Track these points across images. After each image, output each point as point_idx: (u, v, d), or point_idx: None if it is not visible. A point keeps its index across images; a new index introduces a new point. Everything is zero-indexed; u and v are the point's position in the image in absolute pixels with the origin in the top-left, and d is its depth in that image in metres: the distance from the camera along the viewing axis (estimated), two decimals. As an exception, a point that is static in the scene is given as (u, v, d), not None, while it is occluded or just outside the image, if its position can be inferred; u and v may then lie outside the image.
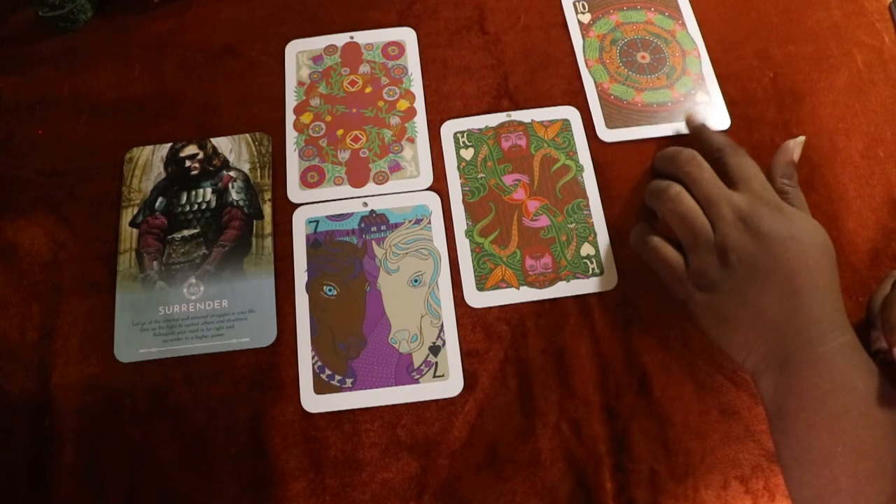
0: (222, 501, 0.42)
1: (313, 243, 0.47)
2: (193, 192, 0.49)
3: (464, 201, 0.48)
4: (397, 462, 0.42)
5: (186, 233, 0.48)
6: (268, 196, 0.49)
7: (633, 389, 0.44)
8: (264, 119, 0.51)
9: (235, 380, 0.44)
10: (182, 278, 0.47)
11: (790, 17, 0.54)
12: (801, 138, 0.45)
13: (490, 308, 0.46)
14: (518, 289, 0.46)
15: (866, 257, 0.47)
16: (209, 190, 0.49)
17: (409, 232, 0.48)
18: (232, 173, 0.50)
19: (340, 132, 0.51)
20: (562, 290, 0.46)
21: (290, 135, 0.51)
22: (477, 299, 0.46)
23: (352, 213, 0.48)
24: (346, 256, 0.47)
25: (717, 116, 0.50)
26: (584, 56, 0.53)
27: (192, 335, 0.45)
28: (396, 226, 0.48)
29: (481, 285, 0.46)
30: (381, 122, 0.51)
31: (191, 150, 0.50)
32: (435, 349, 0.45)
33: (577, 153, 0.50)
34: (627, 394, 0.43)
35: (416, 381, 0.44)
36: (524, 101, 0.51)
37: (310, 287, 0.46)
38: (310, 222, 0.48)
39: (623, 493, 0.42)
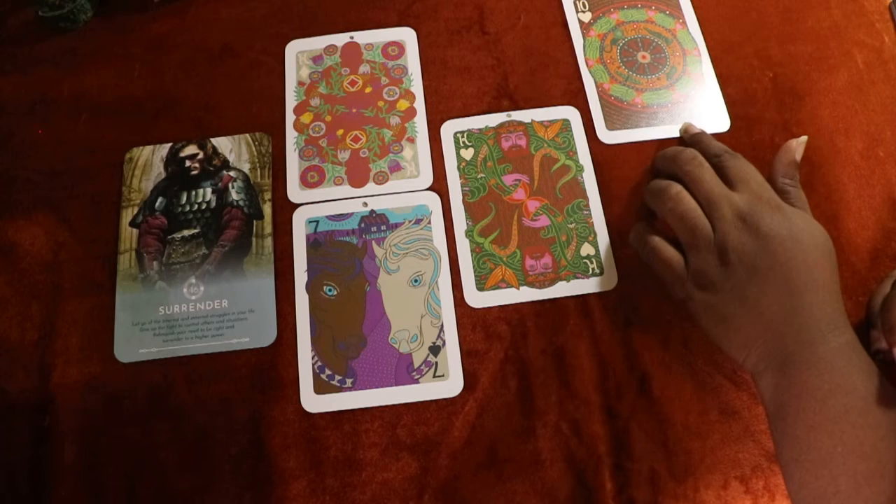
0: (222, 501, 0.42)
1: (313, 243, 0.47)
2: (193, 192, 0.49)
3: (464, 201, 0.48)
4: (397, 462, 0.42)
5: (186, 233, 0.48)
6: (268, 196, 0.49)
7: (633, 389, 0.44)
8: (264, 119, 0.51)
9: (235, 380, 0.44)
10: (182, 278, 0.47)
11: (790, 17, 0.54)
12: (804, 138, 0.45)
13: (490, 308, 0.46)
14: (518, 289, 0.46)
15: (866, 257, 0.47)
16: (209, 190, 0.49)
17: (409, 232, 0.48)
18: (232, 173, 0.50)
19: (340, 132, 0.51)
20: (562, 290, 0.46)
21: (290, 135, 0.51)
22: (477, 299, 0.46)
23: (352, 213, 0.48)
24: (346, 256, 0.47)
25: (717, 117, 0.50)
26: (585, 56, 0.53)
27: (192, 335, 0.45)
28: (396, 226, 0.48)
29: (481, 285, 0.46)
30: (381, 122, 0.51)
31: (191, 150, 0.50)
32: (435, 349, 0.45)
33: (577, 153, 0.50)
34: (627, 394, 0.43)
35: (416, 381, 0.44)
36: (524, 101, 0.51)
37: (310, 287, 0.46)
38: (310, 222, 0.48)
39: (623, 493, 0.42)
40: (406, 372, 0.44)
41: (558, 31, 0.54)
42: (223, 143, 0.50)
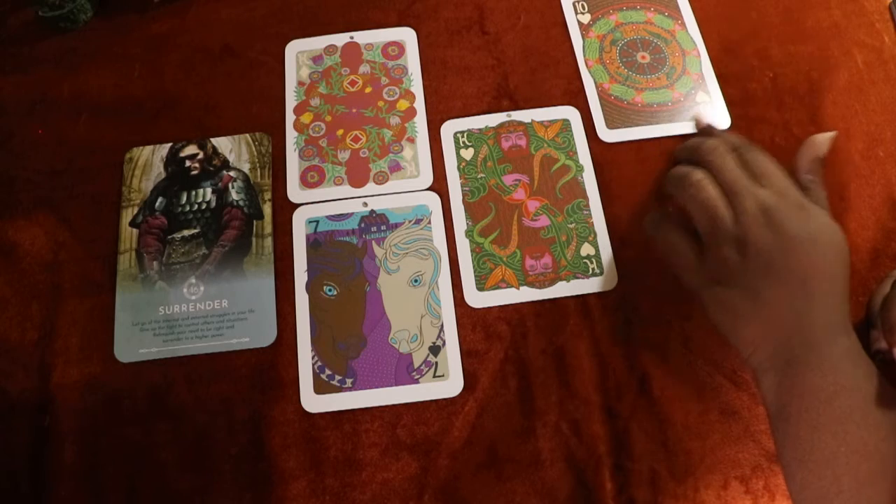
0: (222, 501, 0.42)
1: (313, 243, 0.47)
2: (193, 192, 0.49)
3: (464, 201, 0.48)
4: (397, 462, 0.42)
5: (186, 233, 0.48)
6: (268, 196, 0.49)
7: (633, 389, 0.44)
8: (264, 119, 0.51)
9: (235, 380, 0.44)
10: (182, 278, 0.47)
11: (790, 17, 0.54)
12: (831, 133, 0.43)
13: (490, 308, 0.46)
14: (518, 289, 0.46)
15: (866, 257, 0.47)
16: (209, 190, 0.49)
17: (409, 232, 0.48)
18: (232, 173, 0.50)
19: (340, 132, 0.51)
20: (562, 290, 0.46)
21: (290, 135, 0.51)
22: (477, 299, 0.46)
23: (352, 213, 0.48)
24: (346, 256, 0.47)
25: (717, 116, 0.50)
26: (584, 56, 0.53)
27: (192, 335, 0.45)
28: (396, 226, 0.48)
29: (481, 285, 0.46)
30: (381, 122, 0.51)
31: (191, 150, 0.50)
32: (435, 349, 0.45)
33: (577, 153, 0.50)
34: (627, 394, 0.43)
35: (416, 381, 0.44)
36: (524, 101, 0.51)
37: (310, 287, 0.46)
38: (310, 222, 0.48)
39: (623, 493, 0.42)
40: (406, 372, 0.44)
41: (558, 32, 0.54)
42: (223, 143, 0.50)
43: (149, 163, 0.50)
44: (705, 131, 0.46)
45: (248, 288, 0.46)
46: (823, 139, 0.43)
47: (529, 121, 0.51)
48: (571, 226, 0.48)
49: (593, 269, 0.46)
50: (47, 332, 0.45)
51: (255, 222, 0.48)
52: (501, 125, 0.51)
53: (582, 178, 0.49)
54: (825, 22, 0.54)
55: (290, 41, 0.54)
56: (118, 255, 0.47)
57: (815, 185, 0.42)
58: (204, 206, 0.49)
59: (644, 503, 0.41)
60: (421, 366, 0.44)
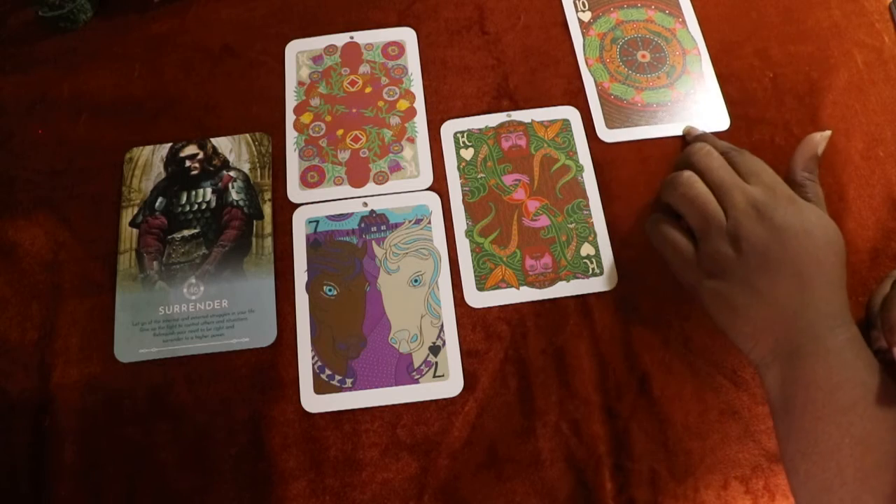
0: (222, 501, 0.42)
1: (313, 243, 0.47)
2: (193, 192, 0.49)
3: (464, 201, 0.48)
4: (397, 462, 0.42)
5: (186, 233, 0.48)
6: (268, 196, 0.49)
7: (633, 389, 0.44)
8: (264, 119, 0.51)
9: (235, 380, 0.44)
10: (182, 278, 0.47)
11: (790, 17, 0.54)
12: (828, 133, 0.44)
13: (490, 308, 0.46)
14: (518, 289, 0.46)
15: (866, 257, 0.47)
16: (209, 190, 0.49)
17: (409, 232, 0.48)
18: (232, 173, 0.50)
19: (340, 132, 0.51)
20: (562, 290, 0.46)
21: (290, 135, 0.51)
22: (477, 299, 0.46)
23: (352, 213, 0.48)
24: (346, 256, 0.47)
25: (717, 116, 0.50)
26: (585, 55, 0.53)
27: (192, 335, 0.45)
28: (396, 226, 0.48)
29: (481, 285, 0.46)
30: (381, 122, 0.51)
31: (191, 150, 0.50)
32: (435, 349, 0.45)
33: (577, 153, 0.50)
34: (627, 394, 0.43)
35: (416, 381, 0.44)
36: (524, 101, 0.51)
37: (310, 287, 0.46)
38: (310, 222, 0.48)
39: (623, 493, 0.42)
40: (406, 372, 0.44)
41: (558, 31, 0.54)
42: (223, 143, 0.50)
43: (149, 163, 0.50)
44: (699, 139, 0.47)
45: (248, 288, 0.46)
46: (820, 138, 0.44)
47: (529, 121, 0.51)
48: (571, 226, 0.48)
49: (593, 269, 0.46)
50: (47, 332, 0.46)
51: (255, 222, 0.48)
52: (501, 125, 0.51)
53: (582, 177, 0.49)
54: (825, 22, 0.54)
55: (290, 41, 0.54)
56: (118, 255, 0.47)
57: (812, 182, 0.42)
58: (204, 206, 0.49)
59: (644, 503, 0.41)
60: (421, 366, 0.44)
